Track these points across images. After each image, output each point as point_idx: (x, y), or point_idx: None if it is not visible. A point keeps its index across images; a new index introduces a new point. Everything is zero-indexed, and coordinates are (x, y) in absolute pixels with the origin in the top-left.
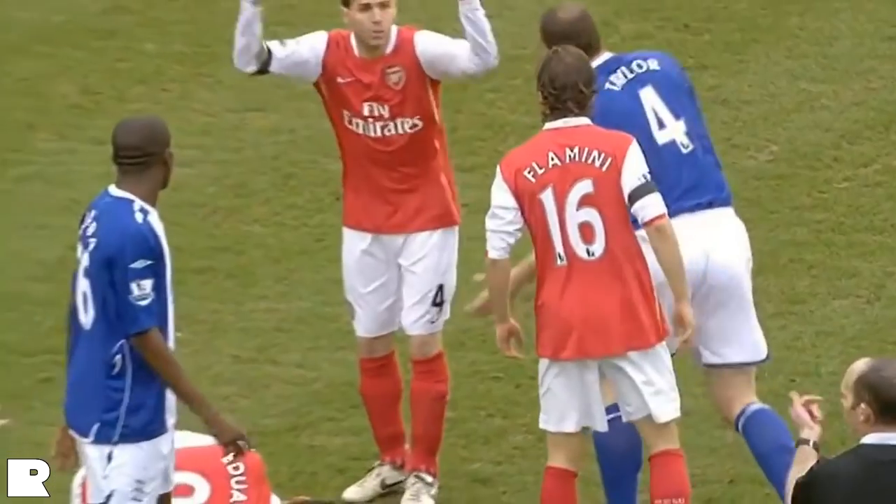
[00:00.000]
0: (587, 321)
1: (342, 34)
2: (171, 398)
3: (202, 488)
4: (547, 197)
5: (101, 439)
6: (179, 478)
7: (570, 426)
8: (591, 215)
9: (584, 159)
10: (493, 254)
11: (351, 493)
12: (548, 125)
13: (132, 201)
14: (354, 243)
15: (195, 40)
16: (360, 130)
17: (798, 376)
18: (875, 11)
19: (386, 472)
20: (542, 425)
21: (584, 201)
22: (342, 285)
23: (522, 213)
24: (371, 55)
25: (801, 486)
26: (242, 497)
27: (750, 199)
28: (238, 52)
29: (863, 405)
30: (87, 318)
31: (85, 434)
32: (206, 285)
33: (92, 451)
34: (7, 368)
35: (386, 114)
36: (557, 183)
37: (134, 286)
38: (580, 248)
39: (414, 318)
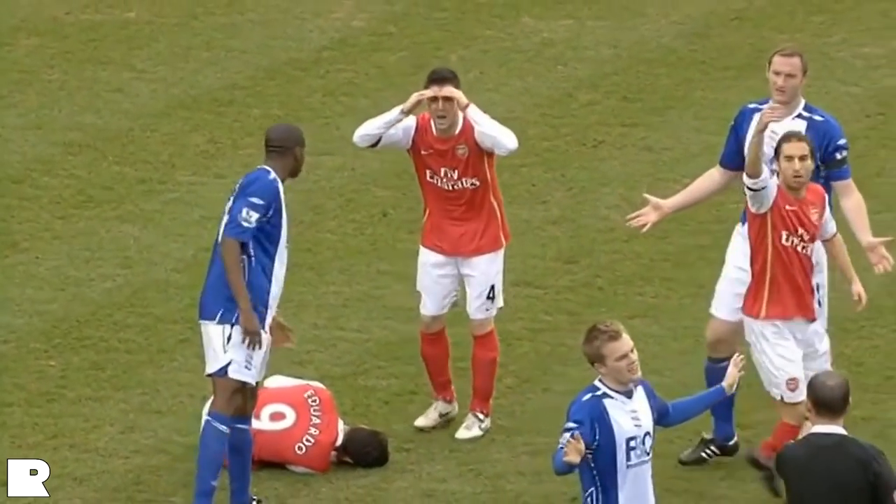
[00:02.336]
0: None
1: (425, 118)
2: (272, 302)
3: (290, 415)
4: None
5: (223, 321)
6: (273, 408)
7: None
8: None
9: None
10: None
11: (420, 422)
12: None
13: (269, 171)
14: (427, 257)
15: (287, 106)
16: (438, 184)
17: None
18: (753, 87)
19: (440, 406)
20: None
21: None
22: (390, 275)
23: None
24: (445, 135)
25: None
26: (318, 421)
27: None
28: (365, 136)
29: (807, 402)
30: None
31: (212, 318)
32: (292, 276)
33: (215, 330)
34: (156, 332)
35: (455, 175)
36: None
37: (245, 209)
38: None
39: (475, 308)
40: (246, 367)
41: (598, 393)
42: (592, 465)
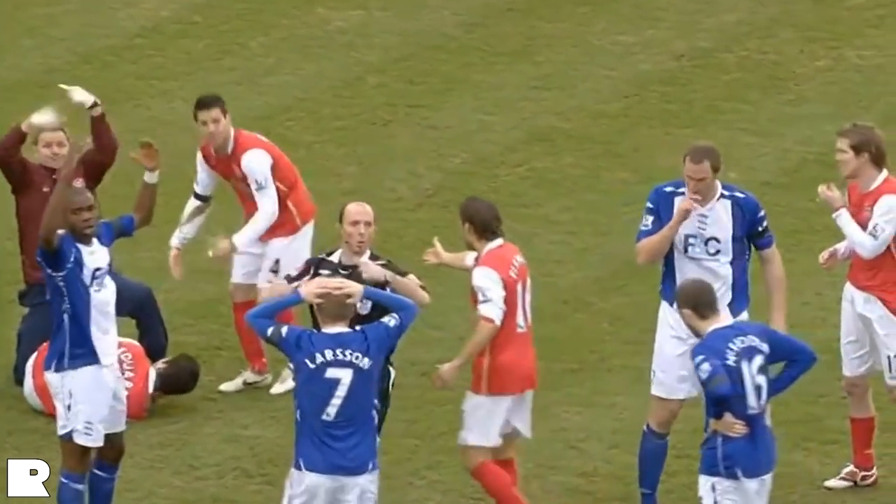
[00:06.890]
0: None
1: (207, 146)
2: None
3: None
4: None
5: (58, 370)
6: None
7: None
8: None
9: None
10: None
11: (224, 386)
12: None
13: None
14: None
15: (102, 89)
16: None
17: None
18: (524, 70)
19: (248, 375)
20: None
21: None
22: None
23: None
24: (221, 153)
25: None
26: (131, 374)
27: (451, 185)
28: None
29: None
30: None
31: (48, 368)
32: None
33: (50, 378)
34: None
35: (240, 186)
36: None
37: None
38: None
39: (259, 277)
40: (87, 433)
41: None
42: None
